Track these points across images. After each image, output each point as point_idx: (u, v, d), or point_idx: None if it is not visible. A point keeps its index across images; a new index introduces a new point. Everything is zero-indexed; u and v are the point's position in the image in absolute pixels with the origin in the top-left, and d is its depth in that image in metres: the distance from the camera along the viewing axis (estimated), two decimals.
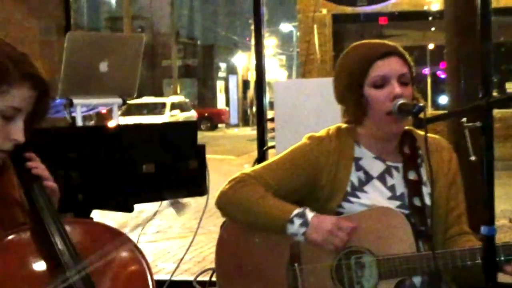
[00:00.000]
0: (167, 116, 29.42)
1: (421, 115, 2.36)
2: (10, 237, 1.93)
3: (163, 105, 31.61)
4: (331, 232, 2.41)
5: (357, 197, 2.54)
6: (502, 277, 2.52)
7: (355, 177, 2.56)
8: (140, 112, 28.34)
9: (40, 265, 1.91)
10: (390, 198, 2.54)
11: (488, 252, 2.13)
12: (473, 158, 2.12)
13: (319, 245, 2.43)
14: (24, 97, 1.92)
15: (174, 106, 31.65)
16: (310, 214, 2.44)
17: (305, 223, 2.43)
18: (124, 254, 2.06)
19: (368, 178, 2.57)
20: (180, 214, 1.57)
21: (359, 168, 2.58)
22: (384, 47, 2.53)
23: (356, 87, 2.50)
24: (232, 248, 2.64)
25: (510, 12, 21.40)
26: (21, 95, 1.91)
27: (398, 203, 2.53)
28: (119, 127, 3.83)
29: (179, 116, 29.76)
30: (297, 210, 2.45)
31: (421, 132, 2.49)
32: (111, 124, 3.92)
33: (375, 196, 2.54)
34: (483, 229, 2.12)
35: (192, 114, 31.76)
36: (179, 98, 34.42)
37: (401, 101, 2.42)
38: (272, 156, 2.86)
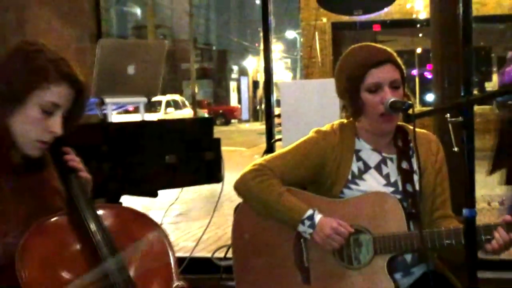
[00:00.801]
0: (161, 114, 26.52)
1: (410, 111, 2.37)
2: (49, 221, 1.93)
3: (159, 103, 28.03)
4: (329, 236, 2.41)
5: (357, 184, 2.55)
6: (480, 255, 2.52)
7: (355, 166, 2.57)
8: (136, 110, 25.21)
9: (75, 246, 1.92)
10: (385, 185, 2.55)
11: (469, 231, 2.13)
12: (456, 149, 2.13)
13: (320, 245, 2.45)
14: (62, 95, 1.94)
15: (169, 104, 28.87)
16: (317, 217, 2.44)
17: (312, 226, 2.44)
18: (149, 234, 2.07)
19: (366, 167, 2.58)
20: None
21: (359, 159, 2.59)
22: (379, 55, 2.51)
23: (354, 89, 2.51)
24: (245, 227, 2.65)
25: (489, 19, 21.42)
26: (59, 93, 1.93)
27: (392, 189, 2.54)
28: (145, 123, 3.84)
29: (174, 114, 27.45)
30: (308, 213, 2.45)
31: (412, 127, 2.50)
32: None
33: (372, 183, 2.55)
34: (465, 211, 2.13)
35: (188, 113, 29.44)
36: (174, 97, 31.08)
37: (392, 99, 2.43)
38: (279, 148, 2.87)
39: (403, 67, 2.56)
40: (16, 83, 1.90)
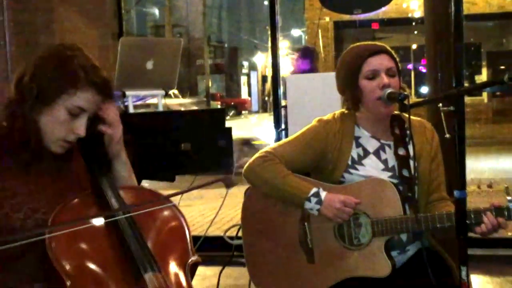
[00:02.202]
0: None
1: (406, 102, 2.38)
2: (75, 199, 1.94)
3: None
4: (339, 209, 2.41)
5: (356, 169, 2.54)
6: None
7: (355, 152, 2.56)
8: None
9: (99, 222, 1.92)
10: (383, 170, 2.54)
11: (459, 211, 2.12)
12: (447, 136, 2.12)
13: (330, 218, 2.44)
14: (89, 100, 1.92)
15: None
16: (323, 194, 2.44)
17: (319, 202, 2.43)
18: (166, 212, 2.07)
19: (366, 153, 2.57)
20: (230, 188, 1.55)
21: (358, 145, 2.58)
22: (374, 46, 2.54)
23: (353, 80, 2.51)
24: (254, 209, 2.65)
25: (479, 18, 21.43)
26: (86, 98, 1.91)
27: (389, 174, 2.53)
28: (162, 113, 3.84)
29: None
30: (313, 190, 2.45)
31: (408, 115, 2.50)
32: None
33: (371, 168, 2.54)
34: (456, 193, 2.12)
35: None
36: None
37: (389, 90, 2.44)
38: (286, 137, 2.86)
39: (397, 59, 2.56)
40: (46, 86, 1.88)
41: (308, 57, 6.22)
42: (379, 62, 2.49)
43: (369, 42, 2.61)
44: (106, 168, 2.04)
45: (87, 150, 2.04)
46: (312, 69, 6.13)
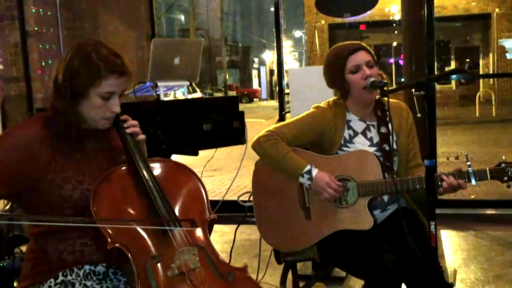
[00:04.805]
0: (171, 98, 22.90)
1: (385, 88, 2.38)
2: (114, 172, 1.95)
3: None
4: (323, 188, 2.42)
5: (348, 146, 2.54)
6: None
7: (346, 133, 2.56)
8: None
9: (133, 189, 1.93)
10: (369, 146, 2.54)
11: (429, 176, 2.13)
12: (419, 115, 2.13)
13: (317, 194, 2.46)
14: (114, 84, 1.90)
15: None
16: (314, 172, 2.45)
17: (310, 179, 2.45)
18: (187, 179, 2.09)
19: (355, 133, 2.57)
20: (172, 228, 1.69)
21: (349, 127, 2.58)
22: (353, 45, 2.53)
23: (340, 76, 2.52)
24: (262, 177, 2.66)
25: (448, 19, 21.27)
26: (111, 84, 1.89)
27: (375, 148, 2.54)
28: (187, 101, 3.85)
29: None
30: (306, 168, 2.45)
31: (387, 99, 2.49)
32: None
33: (360, 145, 2.54)
34: (426, 161, 2.13)
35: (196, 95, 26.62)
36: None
37: (372, 79, 2.45)
38: (288, 119, 2.86)
39: (373, 52, 2.56)
40: (77, 84, 1.87)
41: None
42: (359, 57, 2.49)
43: (347, 42, 2.59)
44: (138, 145, 2.05)
45: (122, 131, 2.04)
46: None
